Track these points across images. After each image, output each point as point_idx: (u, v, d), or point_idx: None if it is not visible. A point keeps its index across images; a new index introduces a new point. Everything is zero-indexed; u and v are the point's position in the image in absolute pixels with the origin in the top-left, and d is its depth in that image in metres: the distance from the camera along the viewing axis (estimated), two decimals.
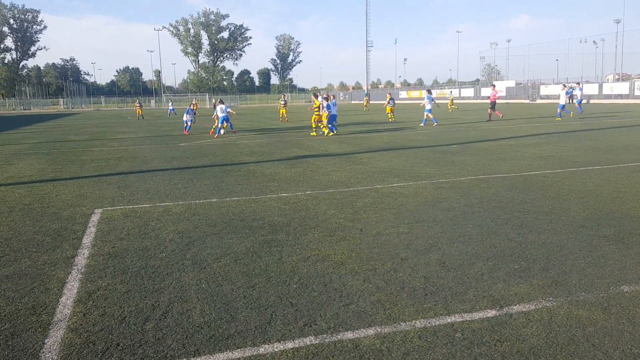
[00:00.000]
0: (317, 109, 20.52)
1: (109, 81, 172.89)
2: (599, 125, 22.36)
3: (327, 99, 20.53)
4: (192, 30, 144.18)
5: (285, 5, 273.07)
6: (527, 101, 64.98)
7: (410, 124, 26.43)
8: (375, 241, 5.63)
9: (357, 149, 15.41)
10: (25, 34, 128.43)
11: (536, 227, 6.04)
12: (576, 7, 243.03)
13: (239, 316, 3.83)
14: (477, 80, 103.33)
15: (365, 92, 75.47)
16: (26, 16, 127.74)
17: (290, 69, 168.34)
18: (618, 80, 66.51)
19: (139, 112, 45.44)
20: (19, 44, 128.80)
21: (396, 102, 32.49)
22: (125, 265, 5.03)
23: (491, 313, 3.77)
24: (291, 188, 8.95)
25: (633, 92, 54.28)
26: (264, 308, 3.96)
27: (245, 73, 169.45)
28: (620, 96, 55.61)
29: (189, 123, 23.73)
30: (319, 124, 20.72)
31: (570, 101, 31.67)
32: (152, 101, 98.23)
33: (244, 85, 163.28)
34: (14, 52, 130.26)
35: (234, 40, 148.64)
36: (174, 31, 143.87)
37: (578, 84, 34.41)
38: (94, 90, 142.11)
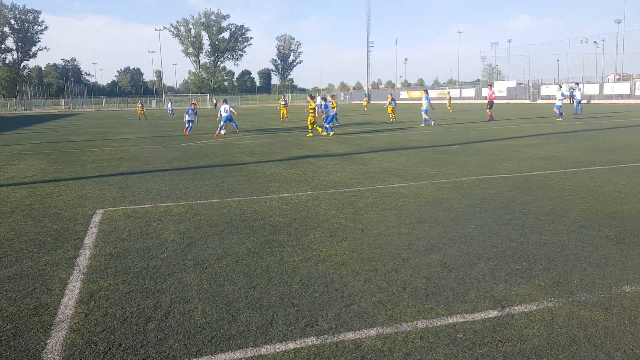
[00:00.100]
0: (312, 111, 20.85)
1: (110, 81, 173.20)
2: (600, 125, 22.35)
3: (324, 100, 21.06)
4: (193, 31, 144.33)
5: (286, 5, 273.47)
6: (528, 101, 64.96)
7: (411, 124, 26.43)
8: (377, 241, 5.63)
9: (358, 149, 15.41)
10: (26, 34, 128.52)
11: (537, 227, 6.03)
12: (577, 7, 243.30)
13: (240, 317, 3.83)
14: (478, 80, 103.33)
15: (366, 92, 75.50)
16: (27, 16, 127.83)
17: (291, 69, 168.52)
18: (619, 80, 66.42)
19: (140, 112, 45.66)
20: (20, 44, 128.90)
21: (397, 102, 32.49)
22: (126, 266, 5.03)
23: (493, 313, 3.77)
24: (292, 188, 8.95)
25: (634, 92, 54.22)
26: (266, 308, 3.96)
27: (246, 73, 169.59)
28: (621, 96, 55.56)
29: (190, 124, 23.76)
30: (315, 125, 20.93)
31: (571, 101, 31.64)
32: (153, 102, 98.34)
33: (245, 85, 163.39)
34: (15, 53, 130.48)
35: (235, 41, 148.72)
36: (175, 31, 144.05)
37: (577, 84, 34.38)
38: (95, 91, 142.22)
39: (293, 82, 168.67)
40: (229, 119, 22.14)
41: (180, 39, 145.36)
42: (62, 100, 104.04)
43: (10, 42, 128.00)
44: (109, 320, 3.82)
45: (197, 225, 6.49)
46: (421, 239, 5.67)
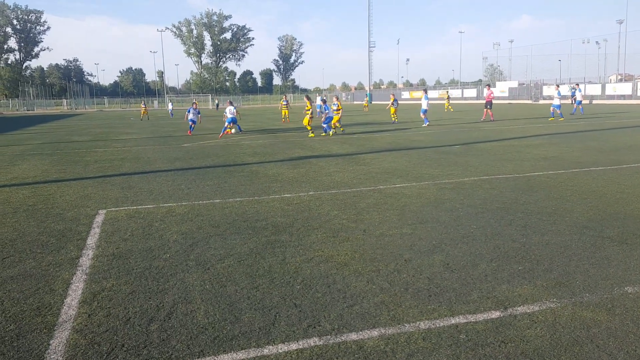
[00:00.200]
0: (309, 111, 21.01)
1: (112, 82, 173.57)
2: (602, 125, 22.32)
3: (324, 101, 21.44)
4: (195, 31, 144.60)
5: (286, 6, 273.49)
6: (529, 101, 64.88)
7: (413, 124, 26.42)
8: (379, 242, 5.64)
9: (360, 149, 15.42)
10: (29, 34, 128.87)
11: (540, 228, 6.03)
12: (578, 8, 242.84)
13: (243, 317, 3.84)
14: (480, 80, 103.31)
15: (367, 93, 75.56)
16: (29, 17, 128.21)
17: (293, 70, 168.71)
18: (621, 80, 66.35)
19: (144, 112, 46.00)
20: (22, 44, 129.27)
21: (399, 102, 32.50)
22: (129, 266, 5.04)
23: (495, 314, 3.77)
24: (294, 189, 8.96)
25: (636, 92, 54.15)
26: (268, 309, 3.97)
27: (247, 74, 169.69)
28: (623, 97, 55.48)
29: (192, 123, 23.78)
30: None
31: (572, 102, 31.66)
32: (155, 102, 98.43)
33: (247, 86, 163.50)
34: (17, 53, 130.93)
35: (237, 41, 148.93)
36: (177, 32, 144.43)
37: (577, 84, 34.37)
38: (97, 91, 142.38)
39: (295, 82, 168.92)
40: (234, 121, 22.24)
41: (182, 40, 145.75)
42: (64, 101, 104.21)
43: (12, 43, 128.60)
44: (112, 321, 3.83)
45: (200, 226, 6.50)
46: (423, 240, 5.67)
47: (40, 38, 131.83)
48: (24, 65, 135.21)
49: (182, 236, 6.06)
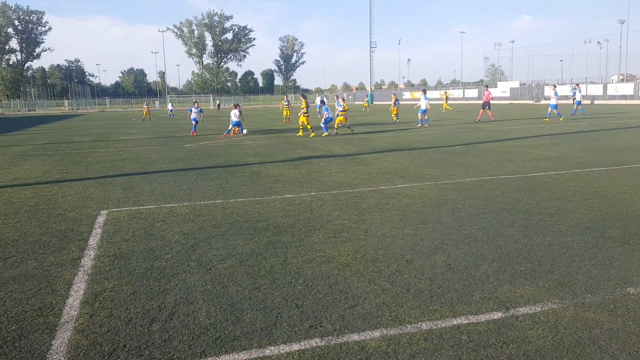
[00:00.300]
0: (305, 111, 21.19)
1: (113, 82, 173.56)
2: (604, 126, 22.29)
3: (323, 102, 22.16)
4: (196, 32, 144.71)
5: (287, 6, 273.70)
6: (531, 102, 64.82)
7: (415, 124, 26.40)
8: (380, 242, 5.63)
9: (361, 149, 15.41)
10: (30, 35, 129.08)
11: (541, 228, 6.02)
12: (579, 8, 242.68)
13: (244, 318, 3.84)
14: (481, 80, 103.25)
15: (368, 94, 75.61)
16: (31, 17, 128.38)
17: (294, 70, 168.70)
18: (622, 81, 66.25)
19: (146, 112, 46.17)
20: (23, 45, 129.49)
21: (401, 102, 32.54)
22: (131, 267, 5.05)
23: (497, 315, 3.77)
24: (295, 189, 8.96)
25: (637, 92, 54.07)
26: (270, 309, 3.97)
27: (249, 74, 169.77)
28: (625, 97, 55.39)
29: (194, 122, 23.80)
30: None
31: (573, 102, 31.68)
32: (157, 102, 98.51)
33: (248, 86, 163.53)
34: (18, 54, 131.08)
35: (238, 42, 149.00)
36: (178, 32, 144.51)
37: (577, 85, 34.36)
38: (99, 92, 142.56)
39: (296, 82, 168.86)
40: (238, 124, 22.39)
41: (183, 40, 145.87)
42: (65, 101, 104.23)
43: (14, 43, 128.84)
44: (114, 321, 3.83)
45: (201, 226, 6.50)
46: (425, 240, 5.67)
47: (42, 39, 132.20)
48: (26, 66, 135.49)
49: (183, 236, 6.06)
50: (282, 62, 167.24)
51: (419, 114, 25.34)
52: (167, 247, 5.65)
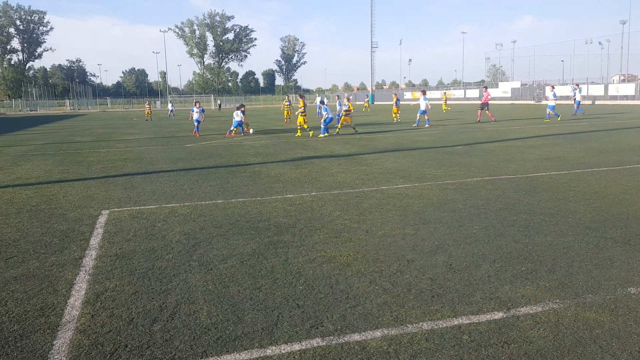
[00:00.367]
0: (303, 111, 21.25)
1: (115, 82, 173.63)
2: (605, 126, 22.28)
3: (323, 102, 22.29)
4: (197, 32, 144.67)
5: (289, 6, 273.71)
6: (532, 102, 64.77)
7: (416, 124, 26.39)
8: (381, 243, 5.64)
9: (362, 150, 15.42)
10: (32, 35, 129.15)
11: (542, 228, 6.02)
12: (581, 8, 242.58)
13: (245, 317, 3.84)
14: (483, 81, 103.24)
15: (368, 94, 75.69)
16: (32, 17, 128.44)
17: (295, 70, 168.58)
18: (624, 81, 66.16)
19: (148, 112, 46.32)
20: (25, 45, 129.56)
21: (401, 102, 32.56)
22: (132, 267, 5.05)
23: (498, 315, 3.77)
24: (296, 189, 8.97)
25: (639, 93, 53.99)
26: (271, 309, 3.97)
27: (250, 74, 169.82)
28: (626, 97, 55.32)
29: (196, 123, 23.83)
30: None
31: (573, 102, 31.71)
32: (158, 102, 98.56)
33: (249, 86, 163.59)
34: (20, 54, 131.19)
35: (239, 42, 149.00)
36: (180, 32, 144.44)
37: (578, 85, 34.36)
38: (100, 92, 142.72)
39: (297, 82, 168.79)
40: (240, 124, 22.67)
41: (184, 40, 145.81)
42: (67, 101, 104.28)
43: (15, 43, 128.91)
44: (115, 321, 3.84)
45: (202, 226, 6.51)
46: (426, 240, 5.67)
47: (43, 39, 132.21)
48: (27, 66, 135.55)
49: (184, 236, 6.07)
50: (283, 62, 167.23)
51: (418, 115, 25.45)
52: (168, 247, 5.66)
